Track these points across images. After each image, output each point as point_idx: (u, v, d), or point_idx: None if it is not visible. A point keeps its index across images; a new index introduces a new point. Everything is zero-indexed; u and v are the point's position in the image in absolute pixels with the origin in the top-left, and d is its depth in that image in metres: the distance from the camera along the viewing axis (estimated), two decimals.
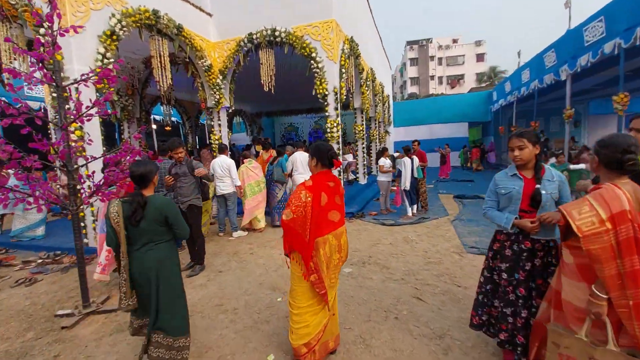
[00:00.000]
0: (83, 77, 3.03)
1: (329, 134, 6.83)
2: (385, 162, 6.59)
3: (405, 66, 41.19)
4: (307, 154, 6.31)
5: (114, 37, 5.06)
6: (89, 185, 3.30)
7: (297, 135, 20.44)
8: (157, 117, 15.13)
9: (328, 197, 2.16)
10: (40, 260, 4.78)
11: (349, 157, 10.39)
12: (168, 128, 19.76)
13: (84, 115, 3.00)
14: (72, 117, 3.15)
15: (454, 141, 17.30)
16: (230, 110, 7.83)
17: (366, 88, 9.19)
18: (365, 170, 10.16)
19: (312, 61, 6.64)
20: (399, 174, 6.27)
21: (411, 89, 39.54)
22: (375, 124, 11.82)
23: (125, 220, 2.04)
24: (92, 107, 3.03)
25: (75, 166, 3.10)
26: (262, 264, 4.29)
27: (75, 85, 3.21)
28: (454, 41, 40.78)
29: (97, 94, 4.78)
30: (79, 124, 4.19)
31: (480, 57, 38.87)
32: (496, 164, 16.68)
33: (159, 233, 2.11)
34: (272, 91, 7.27)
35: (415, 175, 6.36)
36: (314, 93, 6.82)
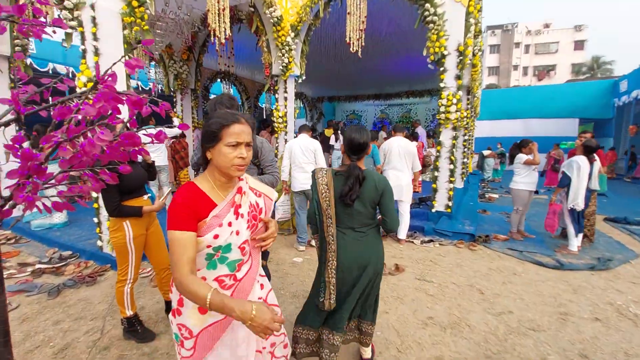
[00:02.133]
0: None
1: (443, 116, 4.59)
2: (522, 158, 4.26)
3: (484, 54, 35.98)
4: (407, 141, 4.19)
5: None
6: None
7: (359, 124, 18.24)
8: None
9: None
10: (37, 267, 3.37)
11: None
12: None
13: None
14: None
15: (558, 141, 13.71)
16: (300, 81, 5.96)
17: (480, 59, 6.70)
18: (465, 170, 7.71)
19: (426, 4, 4.42)
20: (565, 183, 3.84)
21: (488, 79, 34.40)
22: (472, 110, 9.18)
23: (337, 197, 1.69)
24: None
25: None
26: None
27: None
28: (546, 26, 34.36)
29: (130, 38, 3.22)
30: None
31: (579, 45, 32.34)
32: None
33: (371, 217, 1.76)
34: (359, 53, 5.22)
35: (596, 187, 3.90)
36: (425, 54, 4.61)
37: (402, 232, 4.27)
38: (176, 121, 6.91)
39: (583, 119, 14.49)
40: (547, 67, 33.32)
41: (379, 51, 8.62)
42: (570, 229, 3.90)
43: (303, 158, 3.87)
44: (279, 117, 5.81)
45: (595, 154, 3.81)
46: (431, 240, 4.24)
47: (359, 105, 17.82)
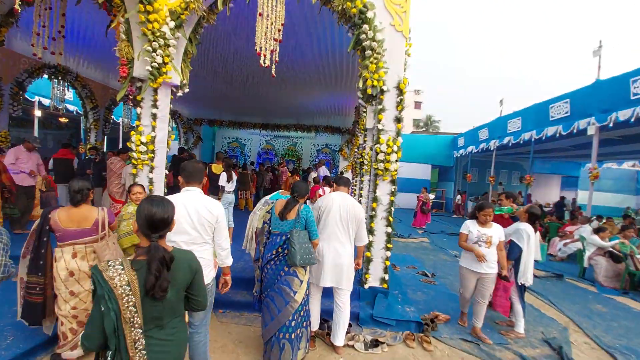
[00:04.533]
0: None
1: (382, 165, 3.54)
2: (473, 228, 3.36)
3: None
4: (353, 201, 2.93)
5: None
6: None
7: (242, 154, 16.49)
8: (45, 101, 9.78)
9: None
10: None
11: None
12: (64, 119, 13.95)
13: None
14: None
15: (415, 183, 15.55)
16: (181, 93, 3.97)
17: None
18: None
19: (364, 25, 3.43)
20: (516, 255, 3.28)
21: None
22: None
23: (142, 295, 1.23)
24: None
25: None
26: None
27: None
28: None
29: None
30: None
31: (417, 105, 40.63)
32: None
33: (181, 304, 1.42)
34: (273, 70, 3.80)
35: (539, 257, 3.49)
36: (361, 85, 3.55)
37: (339, 335, 2.83)
38: None
39: (434, 165, 17.13)
40: None
41: (279, 77, 7.43)
42: (518, 308, 3.33)
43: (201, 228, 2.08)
44: (141, 143, 3.62)
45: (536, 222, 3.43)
46: (377, 342, 2.95)
47: (243, 133, 16.10)
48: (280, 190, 3.54)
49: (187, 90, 4.01)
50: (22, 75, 6.92)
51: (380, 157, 3.52)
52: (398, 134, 3.58)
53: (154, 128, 3.71)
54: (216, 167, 5.44)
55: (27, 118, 11.58)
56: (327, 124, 13.56)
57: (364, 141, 6.40)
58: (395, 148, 3.51)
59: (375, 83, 3.46)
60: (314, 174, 6.77)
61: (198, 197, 2.10)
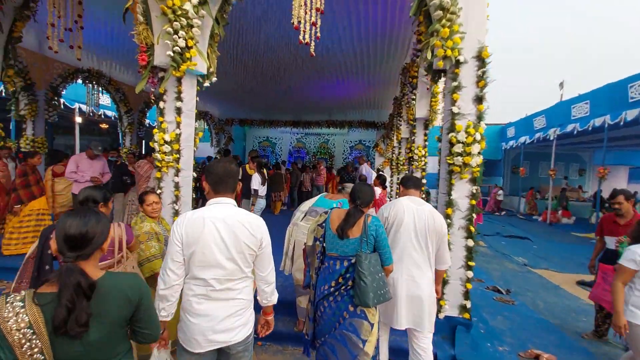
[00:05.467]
0: None
1: (459, 160, 2.68)
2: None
3: None
4: (430, 209, 2.13)
5: None
6: None
7: (273, 154, 16.09)
8: (85, 108, 9.84)
9: None
10: None
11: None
12: (104, 125, 14.29)
13: None
14: None
15: None
16: (208, 83, 3.39)
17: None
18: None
19: None
20: None
21: None
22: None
23: (51, 337, 0.96)
24: None
25: None
26: None
27: None
28: None
29: None
30: None
31: None
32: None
33: (120, 342, 1.12)
34: (312, 48, 3.11)
35: None
36: (429, 56, 2.72)
37: None
38: None
39: None
40: None
41: (313, 65, 6.77)
42: None
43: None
44: (164, 142, 3.08)
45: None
46: None
47: (274, 132, 15.71)
48: (325, 194, 2.82)
49: (214, 79, 3.42)
50: (56, 80, 6.81)
51: (457, 148, 2.67)
52: (480, 118, 2.72)
53: (178, 124, 3.16)
54: (250, 169, 4.86)
55: (70, 125, 11.88)
56: (360, 118, 12.76)
57: (413, 133, 5.54)
58: (477, 137, 2.67)
59: (449, 52, 2.63)
60: (363, 171, 5.82)
61: (233, 213, 1.45)
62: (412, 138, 5.47)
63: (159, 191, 3.12)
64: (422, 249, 2.04)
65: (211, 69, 3.34)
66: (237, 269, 1.42)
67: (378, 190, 4.28)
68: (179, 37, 2.92)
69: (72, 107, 9.70)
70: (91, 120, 12.95)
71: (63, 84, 6.99)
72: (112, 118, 10.79)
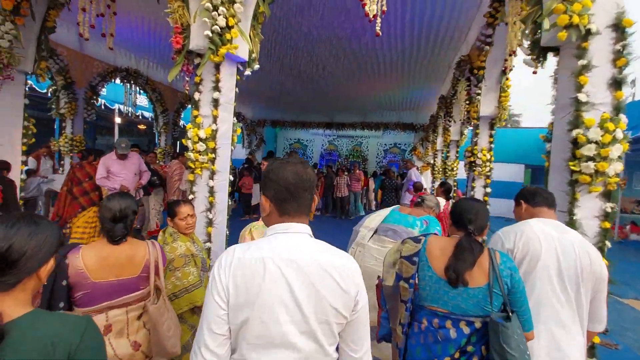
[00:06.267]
0: None
1: (591, 165, 1.91)
2: None
3: None
4: (581, 239, 1.36)
5: None
6: None
7: (304, 156, 15.61)
8: (122, 107, 9.88)
9: None
10: None
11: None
12: (142, 126, 14.52)
13: None
14: None
15: (504, 187, 12.86)
16: (249, 72, 2.88)
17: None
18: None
19: None
20: None
21: None
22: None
23: None
24: None
25: None
26: None
27: None
28: None
29: None
30: None
31: None
32: None
33: None
34: (377, 26, 2.49)
35: None
36: (547, 27, 2.02)
37: None
38: None
39: (527, 164, 14.22)
40: None
41: (352, 63, 6.19)
42: None
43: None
44: (198, 139, 2.58)
45: None
46: None
47: (305, 134, 15.26)
48: (398, 207, 2.16)
49: (256, 67, 2.90)
50: (95, 79, 6.72)
51: (586, 150, 1.91)
52: (618, 109, 1.96)
53: (215, 119, 2.66)
54: None
55: (111, 126, 12.11)
56: (397, 120, 11.95)
57: (476, 134, 4.76)
58: (619, 134, 1.90)
59: (576, 20, 1.90)
60: (413, 177, 4.89)
61: (311, 251, 0.85)
62: (475, 140, 4.68)
63: (191, 196, 2.63)
64: (571, 300, 1.34)
65: (254, 55, 2.82)
66: (318, 349, 0.81)
67: (442, 202, 3.55)
68: (219, 15, 2.42)
69: (112, 107, 9.80)
70: (130, 121, 13.18)
71: (102, 82, 6.91)
72: (149, 119, 10.83)
